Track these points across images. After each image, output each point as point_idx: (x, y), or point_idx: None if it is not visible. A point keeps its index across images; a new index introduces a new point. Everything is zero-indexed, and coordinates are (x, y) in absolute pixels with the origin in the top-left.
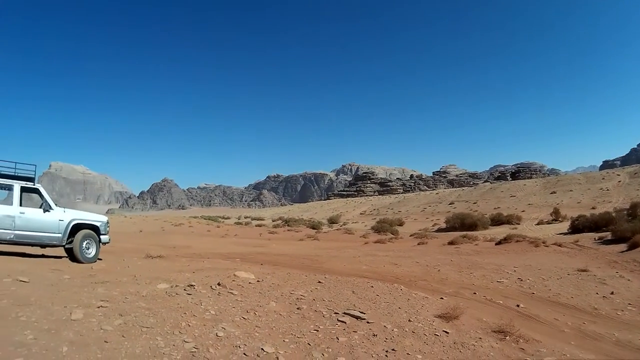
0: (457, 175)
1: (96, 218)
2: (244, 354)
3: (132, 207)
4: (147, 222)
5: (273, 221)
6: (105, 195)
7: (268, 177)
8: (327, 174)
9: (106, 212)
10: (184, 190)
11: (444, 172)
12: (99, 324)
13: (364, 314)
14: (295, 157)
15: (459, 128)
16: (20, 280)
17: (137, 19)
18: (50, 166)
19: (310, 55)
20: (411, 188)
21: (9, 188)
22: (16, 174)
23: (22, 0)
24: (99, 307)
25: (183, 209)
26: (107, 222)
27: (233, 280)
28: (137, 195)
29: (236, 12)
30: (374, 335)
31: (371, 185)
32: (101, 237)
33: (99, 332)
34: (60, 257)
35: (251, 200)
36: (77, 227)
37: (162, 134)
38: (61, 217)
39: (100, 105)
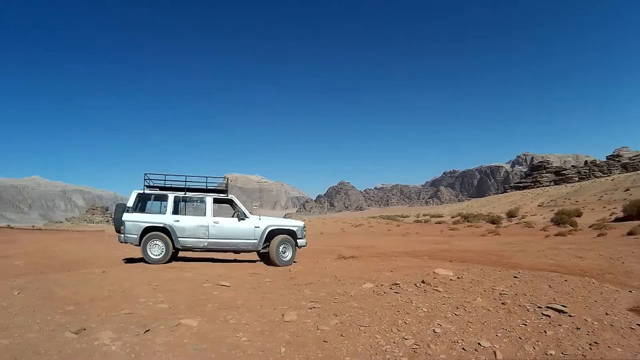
0: (630, 158)
1: (292, 223)
2: (463, 348)
3: (310, 211)
4: (326, 224)
5: (452, 218)
6: (282, 201)
7: (444, 173)
8: (502, 166)
9: (283, 217)
10: (361, 192)
11: (617, 156)
12: (314, 324)
13: (565, 307)
14: (470, 150)
15: (632, 106)
16: (222, 285)
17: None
18: (224, 178)
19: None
20: (586, 175)
21: (202, 201)
22: (209, 187)
23: None
24: (311, 308)
25: (361, 210)
26: (304, 227)
27: (434, 278)
28: (314, 199)
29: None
30: (577, 328)
31: (546, 175)
32: (298, 241)
33: (316, 332)
34: (254, 261)
35: (428, 198)
36: (273, 233)
37: (336, 138)
38: (257, 224)
39: (273, 116)
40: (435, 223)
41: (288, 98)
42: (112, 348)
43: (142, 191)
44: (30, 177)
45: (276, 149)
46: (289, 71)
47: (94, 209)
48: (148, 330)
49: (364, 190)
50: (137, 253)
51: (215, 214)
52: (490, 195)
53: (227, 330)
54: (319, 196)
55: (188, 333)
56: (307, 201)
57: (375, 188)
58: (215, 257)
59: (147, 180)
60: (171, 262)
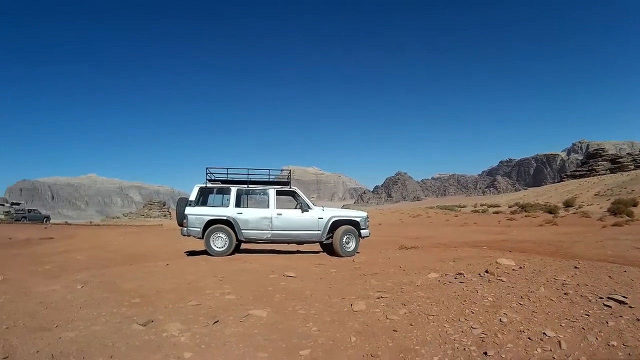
0: None
1: (356, 214)
2: (529, 338)
3: (367, 202)
4: (384, 215)
5: (509, 207)
6: (340, 192)
7: (500, 162)
8: (558, 155)
9: (341, 208)
10: (418, 182)
11: None
12: (384, 314)
13: (626, 298)
14: (526, 138)
15: None
16: (288, 276)
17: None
18: (281, 171)
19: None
20: None
21: (265, 193)
22: (271, 179)
23: None
24: (378, 298)
25: (418, 200)
26: (367, 217)
27: (497, 268)
28: (371, 190)
29: None
30: (637, 319)
31: (602, 163)
32: (361, 231)
33: (385, 321)
34: (317, 253)
35: (485, 187)
36: (336, 224)
37: (393, 129)
38: (320, 216)
39: (328, 108)
40: (493, 213)
41: (343, 88)
42: (181, 339)
43: (204, 185)
44: (86, 175)
45: (333, 140)
46: (344, 61)
47: (151, 204)
48: (217, 322)
49: (421, 181)
50: (198, 246)
51: (278, 206)
52: (546, 184)
53: (296, 320)
54: (376, 187)
55: (258, 324)
56: (364, 192)
57: (432, 178)
58: (276, 248)
59: (209, 174)
60: (234, 254)
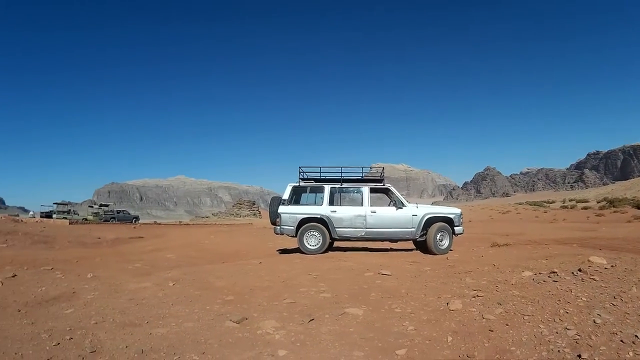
0: None
1: (450, 211)
2: (621, 340)
3: (456, 199)
4: (474, 211)
5: (597, 202)
6: (429, 189)
7: (588, 155)
8: None
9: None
10: (507, 177)
11: None
12: (479, 313)
13: None
14: (612, 129)
15: None
16: (383, 274)
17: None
18: (371, 168)
19: None
20: None
21: (358, 191)
22: (365, 177)
23: None
24: (474, 297)
25: (507, 196)
26: (461, 214)
27: (589, 266)
28: (460, 186)
29: None
30: None
31: None
32: (455, 228)
33: (481, 321)
34: (410, 250)
35: (573, 182)
36: (430, 221)
37: (481, 122)
38: (414, 213)
39: (416, 103)
40: (582, 209)
41: (430, 83)
42: (276, 337)
43: (297, 184)
44: (175, 177)
45: (422, 135)
46: (434, 56)
47: (240, 203)
48: (312, 320)
49: (510, 176)
50: (290, 244)
51: (371, 203)
52: (634, 177)
53: (393, 319)
54: (465, 183)
55: (354, 322)
56: (453, 189)
57: (521, 173)
58: (368, 246)
59: (302, 173)
60: (327, 252)
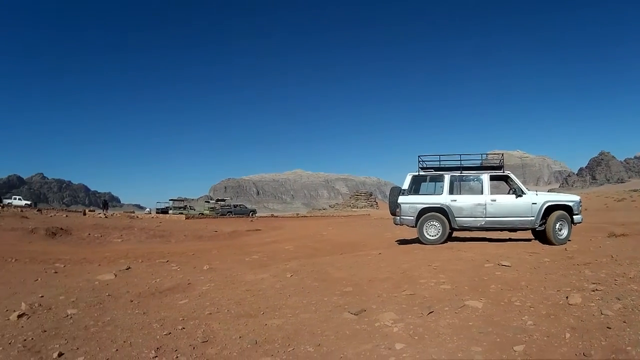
0: None
1: (568, 198)
2: None
3: (572, 185)
4: (589, 199)
5: None
6: (545, 176)
7: None
8: None
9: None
10: (621, 162)
11: None
12: (598, 309)
13: None
14: None
15: None
16: (503, 265)
17: None
18: (486, 156)
19: None
20: None
21: (478, 179)
22: (484, 164)
23: None
24: (593, 291)
25: (622, 182)
26: (580, 202)
27: None
28: (575, 172)
29: None
30: None
31: None
32: (574, 217)
33: (599, 317)
34: (528, 240)
35: None
36: (549, 209)
37: (596, 103)
38: (534, 201)
39: (532, 86)
40: None
41: (548, 63)
42: (394, 329)
43: (416, 173)
44: (292, 171)
45: (539, 120)
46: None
47: (357, 195)
48: (432, 312)
49: (624, 160)
50: (408, 234)
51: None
52: None
53: (512, 312)
54: (580, 169)
55: (473, 315)
56: (569, 175)
57: (635, 157)
58: (486, 236)
59: (422, 162)
60: (446, 242)
